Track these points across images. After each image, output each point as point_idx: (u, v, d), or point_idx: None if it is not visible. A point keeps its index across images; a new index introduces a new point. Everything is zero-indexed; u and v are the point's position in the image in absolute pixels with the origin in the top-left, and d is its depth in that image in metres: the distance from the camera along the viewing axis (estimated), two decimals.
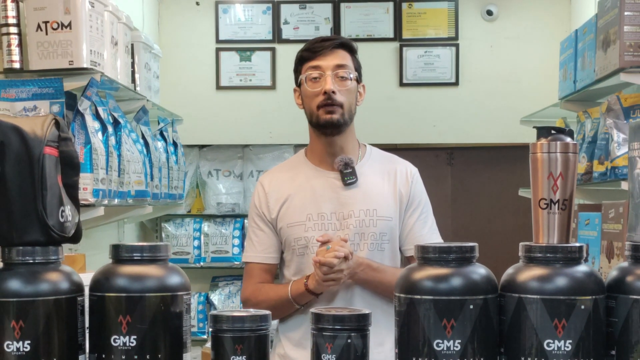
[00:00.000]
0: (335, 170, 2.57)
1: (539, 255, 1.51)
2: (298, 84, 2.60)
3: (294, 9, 5.40)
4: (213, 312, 1.56)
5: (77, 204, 1.64)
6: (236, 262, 5.24)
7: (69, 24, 2.88)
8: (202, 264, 5.34)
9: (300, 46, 2.64)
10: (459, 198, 5.47)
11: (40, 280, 1.48)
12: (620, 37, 3.05)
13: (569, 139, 1.58)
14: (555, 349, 1.44)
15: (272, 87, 5.40)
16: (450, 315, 1.45)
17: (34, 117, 1.62)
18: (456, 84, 5.37)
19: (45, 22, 2.88)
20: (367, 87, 2.70)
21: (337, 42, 2.57)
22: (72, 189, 1.63)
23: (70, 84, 2.92)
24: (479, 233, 5.18)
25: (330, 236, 2.44)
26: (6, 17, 2.90)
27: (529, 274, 1.49)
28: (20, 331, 1.45)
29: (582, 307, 1.45)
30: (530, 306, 1.45)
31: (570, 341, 1.44)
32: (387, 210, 2.55)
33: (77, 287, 1.53)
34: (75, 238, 1.62)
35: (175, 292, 1.52)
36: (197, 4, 5.45)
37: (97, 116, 3.05)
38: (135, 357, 1.49)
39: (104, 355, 1.50)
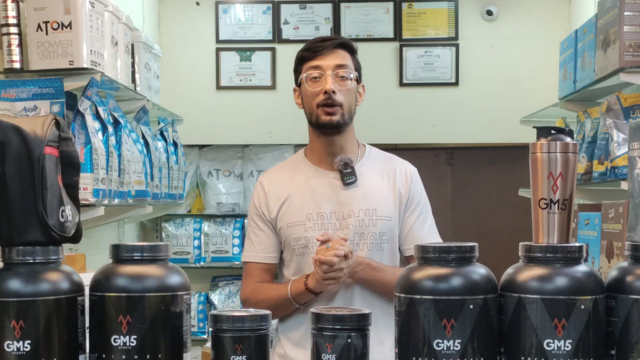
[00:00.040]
0: (335, 170, 2.57)
1: (539, 255, 1.51)
2: (298, 84, 2.60)
3: (294, 9, 5.40)
4: (213, 312, 1.56)
5: (77, 204, 1.64)
6: (236, 262, 5.24)
7: (69, 24, 2.88)
8: (202, 263, 5.34)
9: (300, 46, 2.64)
10: (458, 198, 5.47)
11: (40, 280, 1.48)
12: (620, 37, 3.05)
13: (568, 139, 1.58)
14: (555, 348, 1.44)
15: (272, 87, 5.40)
16: (450, 315, 1.45)
17: (34, 117, 1.62)
18: (456, 84, 5.37)
19: (46, 22, 2.88)
20: (367, 87, 2.70)
21: (337, 42, 2.57)
22: (72, 189, 1.63)
23: (70, 84, 2.93)
24: (478, 233, 5.18)
25: (330, 235, 2.44)
26: (6, 17, 2.90)
27: (529, 274, 1.49)
28: (21, 331, 1.45)
29: (582, 307, 1.45)
30: (530, 306, 1.46)
31: (570, 341, 1.44)
32: (386, 210, 2.55)
33: (78, 287, 1.53)
34: (76, 238, 1.62)
35: (175, 292, 1.52)
36: (197, 4, 5.45)
37: (97, 116, 3.05)
38: (136, 356, 1.49)
39: (104, 355, 1.50)
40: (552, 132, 1.58)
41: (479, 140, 5.39)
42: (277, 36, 5.41)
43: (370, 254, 2.51)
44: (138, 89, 3.81)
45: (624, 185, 3.02)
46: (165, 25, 5.45)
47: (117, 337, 1.49)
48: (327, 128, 2.52)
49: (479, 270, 1.51)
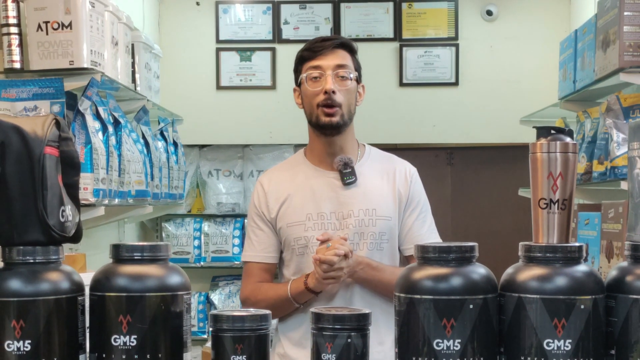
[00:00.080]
0: (335, 170, 2.57)
1: (539, 255, 1.51)
2: (298, 84, 2.60)
3: (294, 9, 5.40)
4: (213, 311, 1.56)
5: (77, 204, 1.64)
6: (236, 262, 5.24)
7: (70, 24, 2.89)
8: (202, 263, 5.34)
9: (300, 46, 2.64)
10: (458, 198, 5.47)
11: (40, 279, 1.48)
12: (619, 37, 3.05)
13: (568, 139, 1.58)
14: (555, 348, 1.44)
15: (272, 87, 5.40)
16: (450, 315, 1.45)
17: (35, 117, 1.62)
18: (456, 84, 5.37)
19: (46, 22, 2.88)
20: (367, 87, 2.70)
21: (337, 42, 2.57)
22: (72, 189, 1.63)
23: (70, 84, 2.93)
24: (478, 233, 5.18)
25: (330, 235, 2.44)
26: (7, 17, 2.90)
27: (529, 274, 1.49)
28: (21, 331, 1.45)
29: (582, 306, 1.45)
30: (530, 306, 1.46)
31: (570, 341, 1.44)
32: (386, 209, 2.55)
33: (78, 287, 1.53)
34: (76, 238, 1.62)
35: (175, 291, 1.52)
36: (198, 4, 5.45)
37: (97, 116, 3.05)
38: (136, 356, 1.49)
39: (104, 355, 1.50)
40: (552, 132, 1.58)
41: (479, 140, 5.40)
42: (277, 36, 5.41)
43: (370, 253, 2.52)
44: (138, 89, 3.81)
45: (624, 185, 3.02)
46: (165, 25, 5.45)
47: (117, 336, 1.49)
48: (327, 129, 2.53)
49: (479, 270, 1.51)
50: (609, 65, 3.17)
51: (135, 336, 1.49)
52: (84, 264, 2.59)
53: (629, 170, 1.61)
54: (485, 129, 5.36)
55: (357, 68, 2.60)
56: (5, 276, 1.48)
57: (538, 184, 1.58)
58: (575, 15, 5.14)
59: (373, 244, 2.53)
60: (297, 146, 5.18)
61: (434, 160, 5.48)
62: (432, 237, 2.60)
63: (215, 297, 5.30)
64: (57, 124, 1.59)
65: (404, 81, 5.38)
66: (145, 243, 1.55)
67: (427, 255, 1.52)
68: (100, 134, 3.02)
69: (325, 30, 5.34)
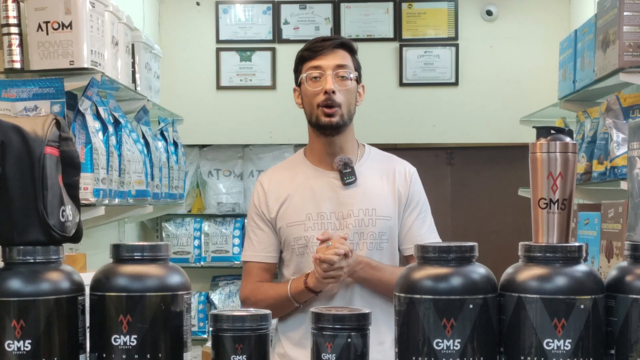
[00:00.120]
0: (335, 170, 2.57)
1: (539, 254, 1.51)
2: (298, 84, 2.61)
3: (294, 9, 5.41)
4: (213, 311, 1.56)
5: (77, 204, 1.64)
6: (236, 262, 5.24)
7: (70, 24, 2.89)
8: (202, 263, 5.34)
9: (300, 46, 2.64)
10: (458, 198, 5.47)
11: (41, 279, 1.48)
12: (619, 37, 3.06)
13: (568, 139, 1.58)
14: (555, 348, 1.44)
15: (272, 87, 5.41)
16: (450, 315, 1.46)
17: (35, 117, 1.62)
18: (456, 84, 5.37)
19: (46, 22, 2.88)
20: (367, 87, 2.70)
21: (337, 42, 2.57)
22: (72, 189, 1.63)
23: (70, 84, 2.93)
24: (478, 233, 5.18)
25: (331, 234, 2.44)
26: (7, 17, 2.90)
27: (529, 274, 1.49)
28: (21, 330, 1.45)
29: (582, 306, 1.45)
30: (529, 305, 1.46)
31: (570, 340, 1.45)
32: (386, 209, 2.55)
33: (78, 287, 1.53)
34: (76, 238, 1.63)
35: (175, 291, 1.53)
36: (198, 4, 5.46)
37: (97, 116, 3.05)
38: (136, 356, 1.49)
39: (104, 355, 1.50)
40: (552, 132, 1.59)
41: (479, 140, 5.40)
42: (277, 36, 5.41)
43: (369, 253, 2.52)
44: (138, 89, 3.81)
45: (624, 185, 3.02)
46: (165, 25, 5.45)
47: (118, 336, 1.49)
48: (327, 129, 2.53)
49: (479, 270, 1.51)
50: (608, 65, 3.17)
51: (136, 336, 1.49)
52: (84, 263, 2.59)
53: (628, 170, 1.62)
54: (485, 129, 5.36)
55: (357, 68, 2.60)
56: (6, 276, 1.48)
57: (538, 183, 1.58)
58: (575, 15, 5.14)
59: (373, 244, 2.53)
60: (297, 146, 5.18)
61: (434, 160, 5.48)
62: (431, 237, 2.60)
63: (215, 297, 5.30)
64: (58, 124, 1.59)
65: (404, 81, 5.38)
66: (145, 243, 1.55)
67: (427, 255, 1.52)
68: (100, 134, 3.02)
69: (325, 31, 5.35)
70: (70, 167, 1.62)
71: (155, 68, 4.20)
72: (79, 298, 1.52)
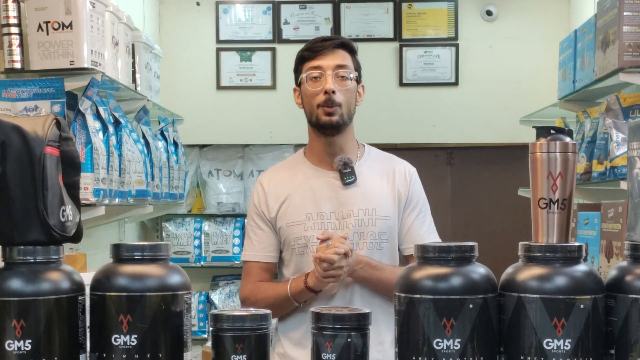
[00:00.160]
0: (335, 170, 2.58)
1: (539, 254, 1.51)
2: (298, 84, 2.61)
3: (294, 9, 5.41)
4: (213, 311, 1.56)
5: (78, 204, 1.64)
6: (236, 262, 5.24)
7: (70, 24, 2.89)
8: (202, 263, 5.34)
9: (300, 46, 2.65)
10: (458, 198, 5.47)
11: (41, 279, 1.48)
12: (619, 37, 3.06)
13: (568, 139, 1.58)
14: (555, 348, 1.45)
15: (273, 87, 5.41)
16: (450, 315, 1.46)
17: (35, 117, 1.63)
18: (456, 84, 5.37)
19: (46, 22, 2.89)
20: (367, 87, 2.71)
21: (337, 42, 2.57)
22: (73, 189, 1.63)
23: (71, 84, 2.93)
24: (478, 232, 5.18)
25: (331, 233, 2.45)
26: (7, 17, 2.90)
27: (529, 274, 1.49)
28: (22, 330, 1.45)
29: (582, 306, 1.45)
30: (529, 305, 1.46)
31: (570, 340, 1.45)
32: (386, 209, 2.56)
33: (78, 287, 1.53)
34: (76, 237, 1.63)
35: (175, 291, 1.53)
36: (198, 4, 5.46)
37: (97, 116, 3.05)
38: (136, 356, 1.49)
39: (104, 355, 1.50)
40: (552, 132, 1.59)
41: (479, 140, 5.40)
42: (277, 36, 5.41)
43: (369, 253, 2.52)
44: (138, 89, 3.82)
45: (623, 185, 3.02)
46: (165, 25, 5.46)
47: (118, 336, 1.49)
48: (327, 128, 2.53)
49: (479, 270, 1.51)
50: (608, 65, 3.17)
51: (136, 336, 1.49)
52: (85, 263, 2.60)
53: (628, 170, 1.62)
54: (485, 129, 5.36)
55: (357, 68, 2.60)
56: (6, 276, 1.49)
57: (538, 183, 1.58)
58: (575, 15, 5.14)
59: (373, 244, 2.53)
60: (297, 146, 5.18)
61: (433, 160, 5.48)
62: (431, 236, 2.60)
63: (215, 296, 5.30)
64: (58, 123, 1.59)
65: (404, 81, 5.38)
66: (145, 243, 1.55)
67: (427, 255, 1.52)
68: (100, 133, 3.02)
69: (325, 31, 5.35)
70: (71, 167, 1.62)
71: (156, 68, 4.20)
72: (79, 298, 1.53)
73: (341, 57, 2.55)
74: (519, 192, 4.57)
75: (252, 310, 1.56)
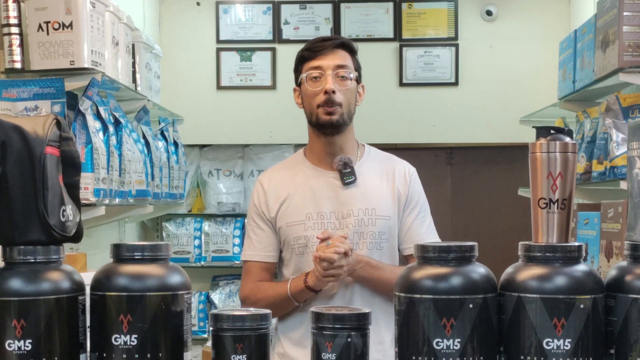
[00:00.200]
0: (334, 170, 2.58)
1: (538, 254, 1.51)
2: (298, 84, 2.61)
3: (294, 9, 5.41)
4: (214, 311, 1.56)
5: (78, 204, 1.64)
6: (237, 262, 5.24)
7: (70, 24, 2.89)
8: (202, 263, 5.35)
9: (300, 46, 2.65)
10: (458, 198, 5.48)
11: (41, 279, 1.49)
12: (619, 37, 3.06)
13: (568, 139, 1.58)
14: (555, 347, 1.45)
15: (273, 87, 5.41)
16: (450, 315, 1.46)
17: (35, 117, 1.63)
18: (456, 84, 5.37)
19: (47, 22, 2.89)
20: (367, 87, 2.71)
21: (337, 42, 2.58)
22: (73, 189, 1.63)
23: (71, 84, 2.93)
24: (478, 232, 5.18)
25: (331, 233, 2.45)
26: (7, 17, 2.90)
27: (529, 273, 1.49)
28: (22, 330, 1.45)
29: (582, 306, 1.45)
30: (529, 305, 1.46)
31: (570, 340, 1.45)
32: (385, 209, 2.56)
33: (78, 286, 1.53)
34: (77, 237, 1.63)
35: (176, 291, 1.53)
36: (198, 4, 5.46)
37: (98, 116, 3.06)
38: (136, 356, 1.49)
39: (105, 354, 1.50)
40: (552, 132, 1.59)
41: (479, 140, 5.40)
42: (278, 36, 5.41)
43: (369, 253, 2.52)
44: (139, 89, 3.82)
45: (623, 185, 3.02)
46: (165, 25, 5.46)
47: (118, 336, 1.49)
48: (327, 128, 2.53)
49: (479, 270, 1.51)
50: (608, 65, 3.17)
51: (136, 335, 1.49)
52: (85, 263, 2.60)
53: (628, 170, 1.62)
54: (485, 129, 5.36)
55: (357, 68, 2.60)
56: (6, 276, 1.49)
57: (538, 183, 1.58)
58: (574, 15, 5.14)
59: (373, 244, 2.53)
60: (297, 146, 5.18)
61: (433, 160, 5.48)
62: (431, 236, 2.60)
63: (215, 296, 5.30)
64: (58, 123, 1.60)
65: (404, 81, 5.38)
66: (145, 243, 1.55)
67: (427, 254, 1.52)
68: (100, 133, 3.02)
69: (325, 31, 5.35)
70: (71, 167, 1.62)
71: (156, 68, 4.20)
72: (80, 298, 1.53)
73: (341, 57, 2.55)
74: (519, 192, 4.57)
75: (252, 310, 1.56)
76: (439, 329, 1.46)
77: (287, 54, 5.20)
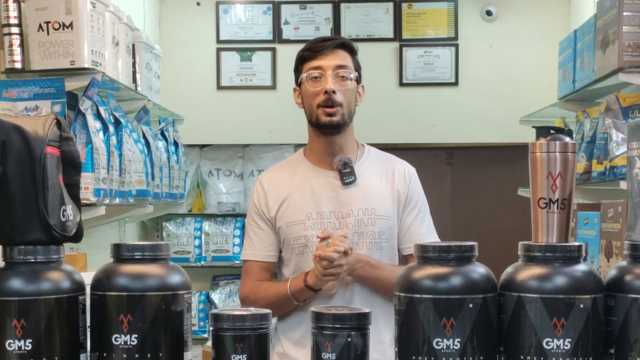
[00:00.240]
0: (334, 170, 2.58)
1: (538, 254, 1.51)
2: (298, 84, 2.61)
3: (294, 9, 5.41)
4: (214, 311, 1.57)
5: (78, 204, 1.65)
6: (237, 261, 5.24)
7: (70, 24, 2.89)
8: (202, 263, 5.35)
9: (300, 46, 2.65)
10: (458, 198, 5.48)
11: (41, 279, 1.49)
12: (619, 37, 3.06)
13: (568, 139, 1.59)
14: (555, 347, 1.45)
15: (273, 87, 5.41)
16: (450, 314, 1.46)
17: (36, 117, 1.63)
18: (456, 84, 5.38)
19: (47, 23, 2.89)
20: (367, 87, 2.71)
21: (337, 42, 2.58)
22: (73, 189, 1.63)
23: (71, 84, 2.93)
24: (478, 232, 5.18)
25: (330, 232, 2.45)
26: (8, 17, 2.91)
27: (528, 273, 1.49)
28: (22, 330, 1.46)
29: (581, 306, 1.45)
30: (529, 305, 1.46)
31: (570, 340, 1.45)
32: (385, 209, 2.56)
33: (79, 286, 1.53)
34: (77, 237, 1.63)
35: (176, 291, 1.53)
36: (198, 4, 5.46)
37: (98, 116, 3.06)
38: (136, 355, 1.49)
39: (105, 354, 1.51)
40: (551, 131, 1.59)
41: (479, 140, 5.40)
42: (278, 36, 5.41)
43: (369, 253, 2.52)
44: (139, 88, 3.82)
45: (623, 185, 3.03)
46: (166, 25, 5.46)
47: (118, 336, 1.49)
48: (327, 128, 2.53)
49: (479, 270, 1.51)
50: (608, 65, 3.18)
51: (136, 335, 1.49)
52: (85, 263, 2.60)
53: (628, 170, 1.62)
54: (485, 129, 5.37)
55: (357, 68, 2.61)
56: (6, 275, 1.49)
57: (537, 183, 1.58)
58: (574, 15, 5.14)
59: (372, 244, 2.53)
60: (297, 146, 5.18)
61: (433, 160, 5.48)
62: (430, 236, 2.60)
63: (215, 296, 5.30)
64: (58, 123, 1.60)
65: (404, 81, 5.38)
66: (145, 242, 1.56)
67: (427, 254, 1.52)
68: (101, 133, 3.02)
69: (326, 31, 5.35)
70: (71, 166, 1.62)
71: (156, 68, 4.21)
72: (80, 297, 1.53)
73: (341, 57, 2.56)
74: (519, 192, 4.57)
75: (252, 310, 1.56)
76: (439, 328, 1.46)
77: (287, 54, 5.20)
